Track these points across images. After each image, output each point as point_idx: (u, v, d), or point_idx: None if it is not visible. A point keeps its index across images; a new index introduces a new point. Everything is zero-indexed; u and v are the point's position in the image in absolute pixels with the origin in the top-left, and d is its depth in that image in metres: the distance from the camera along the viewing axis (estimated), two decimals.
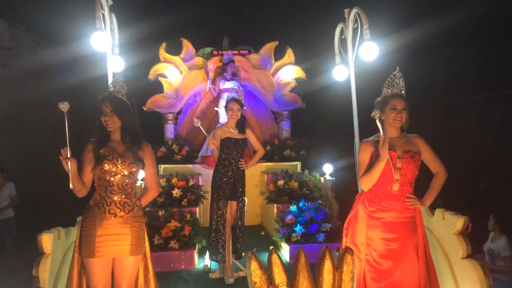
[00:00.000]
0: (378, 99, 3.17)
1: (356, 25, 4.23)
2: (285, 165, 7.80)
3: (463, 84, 12.34)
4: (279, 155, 7.97)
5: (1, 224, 6.90)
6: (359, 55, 4.21)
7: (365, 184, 3.08)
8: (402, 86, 3.11)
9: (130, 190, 2.84)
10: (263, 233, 7.23)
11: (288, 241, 5.71)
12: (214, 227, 4.78)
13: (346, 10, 4.42)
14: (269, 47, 8.55)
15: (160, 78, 8.10)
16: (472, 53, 11.90)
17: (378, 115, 3.04)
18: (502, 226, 4.84)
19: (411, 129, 3.19)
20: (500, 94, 12.11)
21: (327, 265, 1.77)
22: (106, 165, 2.75)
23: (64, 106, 2.63)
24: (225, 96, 7.62)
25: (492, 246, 4.82)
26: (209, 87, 8.08)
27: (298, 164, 8.01)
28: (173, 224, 5.57)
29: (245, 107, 4.90)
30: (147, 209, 6.02)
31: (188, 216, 5.78)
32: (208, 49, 8.45)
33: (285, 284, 1.74)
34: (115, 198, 2.78)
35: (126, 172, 2.79)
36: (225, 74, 7.80)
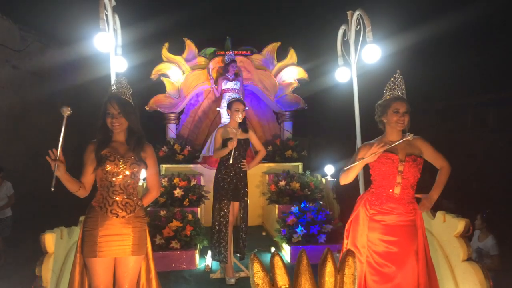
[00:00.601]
0: (380, 102, 3.19)
1: (358, 27, 4.24)
2: (287, 166, 7.81)
3: (460, 86, 12.36)
4: (280, 155, 7.97)
5: None
6: (362, 57, 4.22)
7: (343, 179, 3.12)
8: (403, 88, 3.13)
9: (132, 190, 2.86)
10: (264, 233, 7.25)
11: (289, 242, 5.72)
12: (216, 227, 4.79)
13: (349, 12, 4.43)
14: (271, 48, 8.55)
15: (162, 78, 8.11)
16: (470, 55, 11.93)
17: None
18: (489, 225, 4.99)
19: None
20: (497, 96, 12.15)
21: (329, 268, 1.78)
22: (108, 166, 2.76)
23: (66, 111, 2.63)
24: (227, 96, 7.65)
25: (480, 245, 4.95)
26: (212, 87, 8.10)
27: (300, 165, 8.02)
28: (175, 224, 5.58)
29: (246, 107, 4.90)
30: (148, 208, 6.05)
31: (190, 216, 5.80)
32: (210, 49, 8.46)
33: (287, 286, 1.75)
34: (117, 198, 2.79)
35: (128, 173, 2.81)
36: (227, 75, 7.82)
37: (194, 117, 8.65)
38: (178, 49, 8.24)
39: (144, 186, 6.10)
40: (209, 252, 5.36)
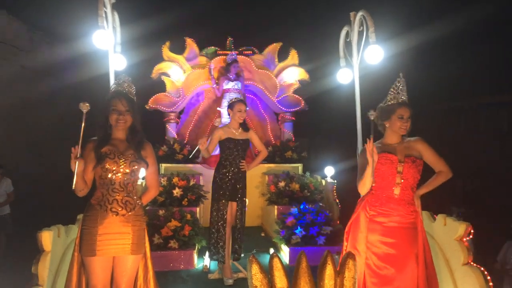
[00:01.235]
0: (382, 105, 3.17)
1: (361, 28, 4.21)
2: (287, 166, 7.78)
3: (468, 87, 12.32)
4: (280, 156, 7.95)
5: None
6: (364, 58, 4.19)
7: (361, 188, 3.11)
8: (405, 93, 3.12)
9: (131, 188, 2.84)
10: (263, 234, 7.22)
11: (288, 243, 5.69)
12: (214, 227, 4.76)
13: (352, 13, 4.40)
14: (272, 48, 8.53)
15: (163, 77, 8.10)
16: (479, 56, 11.90)
17: (374, 116, 3.01)
18: None
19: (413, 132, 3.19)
20: (507, 98, 12.12)
21: (329, 270, 1.75)
22: (108, 163, 2.74)
23: (84, 106, 2.66)
24: (227, 96, 7.62)
25: None
26: (213, 87, 8.08)
27: (300, 166, 8.00)
28: (173, 223, 5.55)
29: (247, 108, 4.88)
30: (147, 208, 6.01)
31: (189, 216, 5.77)
32: (212, 49, 8.44)
33: None
34: (117, 196, 2.77)
35: (127, 171, 2.79)
36: (228, 75, 7.79)
37: (194, 116, 8.63)
38: (179, 48, 8.23)
39: (143, 185, 6.08)
40: (207, 252, 5.33)
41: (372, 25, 3.95)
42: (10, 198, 7.04)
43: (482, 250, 5.13)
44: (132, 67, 5.06)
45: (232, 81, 7.77)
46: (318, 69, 8.83)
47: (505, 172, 10.24)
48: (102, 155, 2.75)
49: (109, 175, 2.76)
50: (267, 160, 7.64)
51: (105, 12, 4.20)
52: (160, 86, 8.14)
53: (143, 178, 6.35)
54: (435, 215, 3.48)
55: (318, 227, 5.71)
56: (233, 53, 7.97)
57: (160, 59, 8.07)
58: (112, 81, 4.41)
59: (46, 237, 2.98)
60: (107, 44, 4.25)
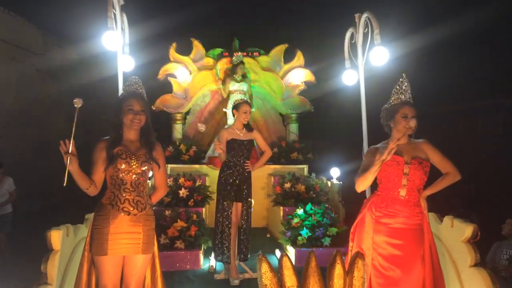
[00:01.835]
0: (386, 106, 3.18)
1: (366, 29, 4.22)
2: (292, 168, 7.79)
3: (471, 89, 12.27)
4: (286, 157, 7.96)
5: None
6: (369, 59, 4.20)
7: (359, 185, 3.09)
8: (409, 93, 3.12)
9: (142, 188, 2.87)
10: (268, 235, 7.23)
11: (294, 244, 5.70)
12: (219, 228, 4.78)
13: (356, 15, 4.41)
14: (279, 50, 8.55)
15: (169, 78, 8.13)
16: (480, 59, 11.86)
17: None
18: None
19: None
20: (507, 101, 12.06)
21: (338, 270, 1.77)
22: (120, 164, 2.76)
23: (78, 102, 2.67)
24: (233, 97, 7.64)
25: None
26: (219, 88, 8.11)
27: (305, 167, 8.00)
28: (180, 224, 5.58)
29: (253, 109, 4.91)
30: (153, 208, 6.02)
31: (195, 216, 5.79)
32: (218, 50, 8.47)
33: (295, 287, 1.74)
34: (128, 196, 2.79)
35: (139, 171, 2.82)
36: (234, 76, 7.82)
37: (200, 117, 8.66)
38: (185, 49, 8.26)
39: (150, 185, 6.11)
40: (213, 253, 5.36)
41: (377, 26, 3.96)
42: (12, 197, 6.99)
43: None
44: (139, 68, 5.10)
45: (238, 82, 7.79)
46: (323, 70, 8.84)
47: None
48: (114, 155, 2.77)
49: (121, 175, 2.78)
50: (272, 161, 7.66)
51: (114, 14, 4.23)
52: (166, 87, 8.18)
53: (149, 179, 6.42)
54: (441, 217, 3.47)
55: (324, 229, 5.72)
56: (240, 54, 8.00)
57: (166, 60, 8.11)
58: (120, 82, 4.45)
59: (55, 236, 3.00)
60: (115, 45, 4.28)
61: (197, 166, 7.65)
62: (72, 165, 2.56)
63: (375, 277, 3.00)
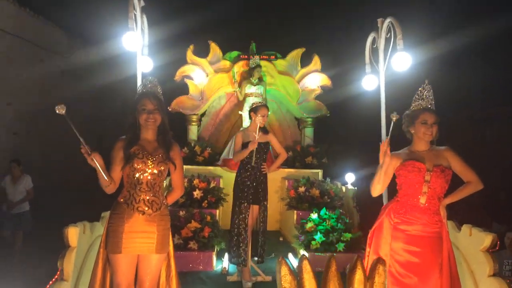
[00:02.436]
0: (407, 112, 3.15)
1: (389, 34, 4.19)
2: (307, 172, 7.76)
3: (497, 96, 12.03)
4: (300, 161, 7.94)
5: (15, 218, 6.83)
6: (390, 65, 4.17)
7: (372, 189, 3.14)
8: (431, 99, 3.08)
9: (158, 188, 2.87)
10: (281, 239, 7.20)
11: (307, 248, 5.67)
12: (235, 230, 4.77)
13: (379, 20, 4.39)
14: (296, 54, 8.54)
15: (186, 80, 8.17)
16: (506, 65, 11.63)
17: (395, 118, 2.98)
18: None
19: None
20: None
21: (359, 275, 1.75)
22: (136, 163, 2.77)
23: (60, 108, 2.48)
24: (249, 100, 7.64)
25: None
26: (235, 91, 8.13)
27: (320, 172, 7.96)
28: (193, 225, 5.59)
29: (269, 112, 4.90)
30: (168, 208, 6.06)
31: (209, 217, 5.80)
32: (235, 53, 8.49)
33: None
34: (144, 196, 2.80)
35: (155, 171, 2.82)
36: (251, 79, 7.83)
37: (215, 119, 8.69)
38: (202, 51, 8.30)
39: (165, 185, 6.13)
40: (226, 255, 5.35)
41: (400, 32, 3.92)
42: (29, 195, 6.98)
43: None
44: (157, 69, 5.13)
45: (254, 85, 7.80)
46: (340, 75, 8.81)
47: None
48: (131, 155, 2.79)
49: (137, 175, 2.79)
50: (287, 165, 7.63)
51: (134, 15, 4.27)
52: (183, 89, 8.22)
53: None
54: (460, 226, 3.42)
55: (338, 234, 5.68)
56: (256, 58, 8.01)
57: (183, 61, 8.15)
58: (139, 82, 4.47)
59: (72, 233, 3.04)
60: (135, 46, 4.31)
61: (211, 167, 7.67)
62: (99, 160, 2.59)
63: (392, 284, 2.96)
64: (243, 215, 4.74)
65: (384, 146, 2.96)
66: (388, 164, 3.05)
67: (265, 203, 4.90)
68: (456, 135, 11.19)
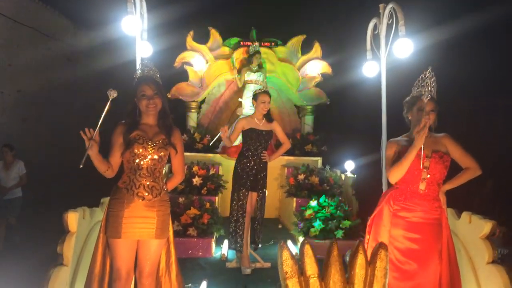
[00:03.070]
0: (407, 98, 3.13)
1: (391, 20, 4.15)
2: (306, 159, 7.77)
3: (499, 84, 11.90)
4: (300, 149, 7.95)
5: (7, 203, 6.75)
6: (392, 51, 4.13)
7: (393, 175, 3.01)
8: (432, 87, 3.05)
9: (158, 174, 2.85)
10: (280, 226, 7.23)
11: (306, 235, 5.69)
12: (234, 217, 4.78)
13: (381, 5, 4.33)
14: (296, 41, 8.49)
15: (185, 66, 8.13)
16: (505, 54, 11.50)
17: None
18: None
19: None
20: None
21: (360, 259, 1.74)
22: (136, 148, 2.75)
23: (112, 93, 2.65)
24: (249, 87, 7.62)
25: None
26: (234, 77, 8.08)
27: (319, 160, 7.98)
28: (193, 211, 5.60)
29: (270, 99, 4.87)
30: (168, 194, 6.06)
31: (208, 204, 5.81)
32: (235, 39, 8.44)
33: (316, 275, 1.72)
34: (144, 181, 2.78)
35: (155, 156, 2.80)
36: (250, 66, 7.78)
37: (215, 106, 8.67)
38: (202, 37, 8.24)
39: (164, 171, 6.13)
40: (226, 241, 5.37)
41: (402, 18, 3.88)
42: (22, 181, 6.90)
43: None
44: (156, 54, 5.08)
45: (254, 72, 7.76)
46: (341, 62, 8.75)
47: None
48: (131, 140, 2.76)
49: (137, 160, 2.77)
50: (287, 152, 7.59)
51: None
52: (182, 75, 8.18)
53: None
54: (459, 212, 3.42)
55: (337, 221, 5.69)
56: (256, 45, 7.96)
57: (183, 47, 8.10)
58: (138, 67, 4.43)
59: (72, 218, 3.02)
60: (134, 31, 4.27)
61: (211, 155, 7.67)
62: (92, 151, 2.58)
63: (391, 270, 2.96)
64: (242, 202, 4.75)
65: (423, 128, 2.84)
66: (392, 152, 3.04)
67: (264, 190, 4.89)
68: (462, 123, 11.12)
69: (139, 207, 2.76)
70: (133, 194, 2.76)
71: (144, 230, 2.77)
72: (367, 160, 6.92)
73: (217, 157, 7.69)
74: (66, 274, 2.92)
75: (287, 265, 1.68)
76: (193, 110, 8.26)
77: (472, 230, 3.23)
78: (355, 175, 6.98)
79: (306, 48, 8.48)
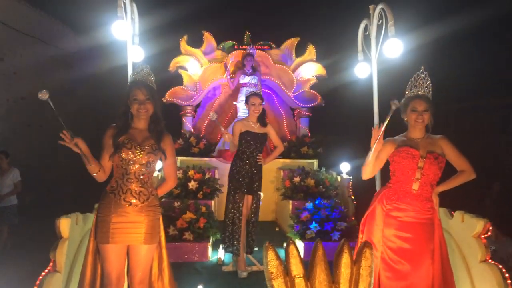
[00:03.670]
0: (402, 100, 3.13)
1: (380, 21, 4.16)
2: (302, 162, 7.77)
3: (487, 86, 11.95)
4: (296, 152, 7.94)
5: (1, 211, 6.66)
6: (383, 52, 4.14)
7: (363, 172, 3.15)
8: (426, 87, 3.06)
9: (146, 179, 2.83)
10: (277, 229, 7.22)
11: (303, 238, 5.68)
12: (230, 220, 4.77)
13: (371, 6, 4.35)
14: (290, 43, 8.51)
15: (180, 71, 8.14)
16: (500, 51, 11.53)
17: (396, 106, 2.96)
18: None
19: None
20: None
21: (345, 259, 1.74)
22: (124, 153, 2.74)
23: (43, 95, 2.55)
24: (244, 90, 7.62)
25: None
26: (227, 79, 8.05)
27: (315, 162, 7.98)
28: (188, 215, 5.59)
29: (263, 102, 4.88)
30: (163, 199, 6.05)
31: (204, 208, 5.80)
32: (229, 43, 8.46)
33: (301, 275, 1.72)
34: (131, 186, 2.77)
35: (143, 162, 2.78)
36: (244, 69, 7.80)
37: (210, 110, 8.66)
38: (196, 41, 8.26)
39: (160, 177, 6.12)
40: (222, 245, 5.36)
41: (391, 18, 3.89)
42: (17, 188, 6.82)
43: None
44: (149, 59, 5.07)
45: (248, 75, 7.77)
46: (335, 64, 8.78)
47: None
48: (119, 144, 2.75)
49: (125, 165, 2.76)
50: (282, 155, 7.61)
51: (124, 3, 4.21)
52: (177, 80, 8.19)
53: (159, 171, 6.41)
54: (452, 212, 3.42)
55: (333, 223, 5.70)
56: (251, 48, 7.97)
57: (176, 51, 8.11)
58: (130, 72, 4.42)
59: (64, 224, 3.01)
60: (125, 35, 4.26)
61: (206, 159, 7.67)
62: (82, 145, 2.60)
63: (384, 270, 2.97)
64: (238, 205, 4.74)
65: (376, 132, 2.93)
66: (380, 150, 3.04)
67: (259, 193, 4.89)
68: (457, 124, 11.14)
69: (127, 213, 2.74)
70: (120, 199, 2.74)
71: (133, 235, 2.75)
72: (362, 161, 6.91)
73: (213, 161, 7.69)
74: (59, 280, 2.91)
75: (273, 266, 1.68)
76: (188, 114, 8.27)
77: (465, 229, 3.24)
78: (351, 177, 6.98)
79: (300, 50, 8.50)
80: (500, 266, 3.01)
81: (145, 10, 4.95)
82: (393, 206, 3.02)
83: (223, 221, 4.91)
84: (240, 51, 8.21)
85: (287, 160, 7.87)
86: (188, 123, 8.25)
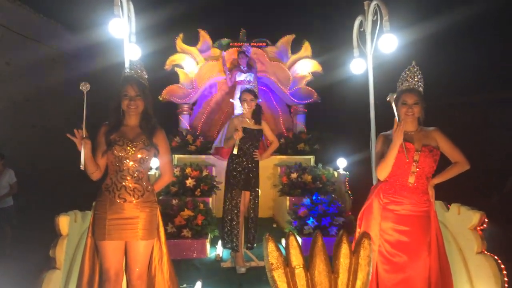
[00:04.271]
0: (395, 95, 3.16)
1: (375, 17, 4.18)
2: (299, 158, 7.80)
3: (485, 80, 11.95)
4: (293, 148, 7.97)
5: (0, 213, 6.66)
6: (378, 47, 4.17)
7: (381, 172, 3.06)
8: (417, 80, 3.09)
9: (141, 175, 2.84)
10: (275, 225, 7.24)
11: (300, 233, 5.71)
12: (228, 216, 4.80)
13: (365, 2, 4.38)
14: (286, 40, 8.52)
15: (176, 69, 8.14)
16: (496, 46, 11.55)
17: (392, 97, 2.98)
18: None
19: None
20: None
21: (344, 249, 1.77)
22: (116, 150, 2.76)
23: (84, 86, 2.69)
24: (240, 88, 7.64)
25: None
26: (226, 75, 8.07)
27: (312, 158, 8.01)
28: (186, 213, 5.61)
29: (259, 100, 4.89)
30: (160, 197, 6.07)
31: (202, 205, 5.82)
32: (225, 41, 8.47)
33: (301, 266, 1.74)
34: (125, 183, 2.79)
35: (136, 158, 2.80)
36: (240, 66, 7.81)
37: (207, 108, 8.67)
38: (192, 39, 8.25)
39: (157, 175, 6.13)
40: (220, 241, 5.38)
41: (386, 13, 3.92)
42: (13, 189, 6.81)
43: None
44: (146, 57, 5.07)
45: (244, 72, 7.79)
46: (331, 60, 8.80)
47: None
48: (111, 141, 2.77)
49: (118, 162, 2.78)
50: (279, 151, 7.65)
51: (120, 2, 4.21)
52: (173, 78, 8.19)
53: (156, 169, 6.42)
54: (448, 205, 3.46)
55: (330, 218, 5.72)
56: (247, 45, 7.98)
57: (173, 49, 8.10)
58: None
59: (64, 222, 3.03)
60: (122, 33, 4.27)
61: (203, 156, 7.68)
62: (86, 149, 2.63)
63: (382, 263, 3.00)
64: (235, 201, 4.76)
65: (398, 127, 2.89)
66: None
67: (257, 189, 4.91)
68: (458, 119, 11.14)
69: (122, 209, 2.76)
70: (115, 196, 2.77)
71: (129, 231, 2.77)
72: (359, 157, 6.97)
73: (210, 158, 7.67)
74: (58, 277, 2.92)
75: (273, 257, 1.71)
76: (185, 112, 8.27)
77: (461, 221, 3.27)
78: (348, 172, 7.01)
79: (295, 47, 8.52)
80: (496, 257, 3.05)
81: (141, 8, 4.95)
82: (390, 200, 3.05)
83: (221, 218, 4.93)
84: (236, 48, 8.22)
85: (284, 157, 7.89)
86: (184, 121, 8.26)
